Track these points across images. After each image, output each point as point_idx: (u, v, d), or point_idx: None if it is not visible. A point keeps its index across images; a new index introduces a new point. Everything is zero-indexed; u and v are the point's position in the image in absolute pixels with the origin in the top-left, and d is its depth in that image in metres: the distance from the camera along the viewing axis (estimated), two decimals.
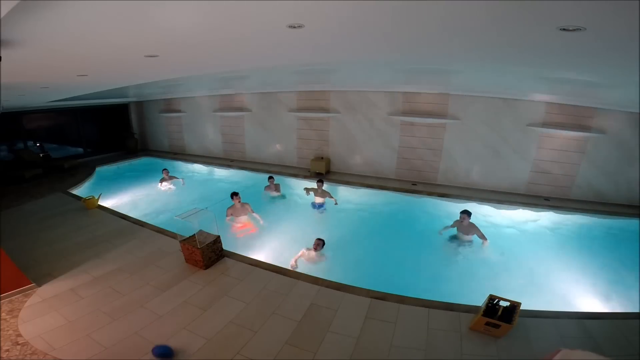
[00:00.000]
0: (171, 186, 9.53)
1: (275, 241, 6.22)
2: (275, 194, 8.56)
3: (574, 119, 6.66)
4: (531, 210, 6.94)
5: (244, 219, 6.95)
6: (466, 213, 5.95)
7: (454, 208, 7.15)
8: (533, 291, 4.61)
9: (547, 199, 7.16)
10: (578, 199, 7.08)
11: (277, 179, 8.73)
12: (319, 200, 7.79)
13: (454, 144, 7.90)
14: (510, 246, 6.00)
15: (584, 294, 4.70)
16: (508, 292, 3.71)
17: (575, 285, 4.90)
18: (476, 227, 5.94)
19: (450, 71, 6.15)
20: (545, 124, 6.91)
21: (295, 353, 3.20)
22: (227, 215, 6.83)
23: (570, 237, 6.30)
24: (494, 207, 7.15)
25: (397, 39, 2.94)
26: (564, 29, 2.15)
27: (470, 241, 5.97)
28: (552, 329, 3.45)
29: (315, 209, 7.72)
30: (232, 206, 6.90)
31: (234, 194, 6.95)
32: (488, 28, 2.42)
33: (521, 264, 5.44)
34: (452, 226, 6.18)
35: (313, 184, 8.06)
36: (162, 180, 9.52)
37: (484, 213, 7.07)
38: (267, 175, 8.66)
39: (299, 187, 8.71)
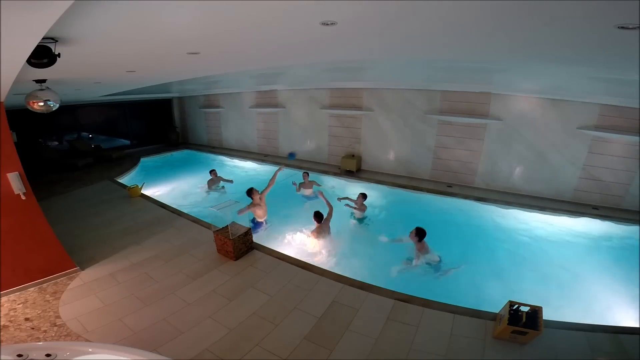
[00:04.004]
0: (218, 188, 8.94)
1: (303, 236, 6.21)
2: (308, 192, 8.17)
3: (632, 122, 6.04)
4: (574, 218, 6.45)
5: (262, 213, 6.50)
6: (418, 230, 5.11)
7: (491, 213, 6.84)
8: (568, 301, 4.34)
9: (595, 207, 6.60)
10: (631, 209, 6.43)
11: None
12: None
13: (495, 145, 7.50)
14: (548, 256, 5.61)
15: (624, 308, 4.32)
16: (545, 304, 3.48)
17: (617, 298, 4.52)
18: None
19: (492, 69, 5.82)
20: (598, 127, 6.35)
21: (312, 349, 3.22)
22: (242, 212, 5.99)
23: (618, 249, 5.77)
24: (536, 213, 6.71)
25: (438, 38, 2.83)
26: (622, 27, 1.98)
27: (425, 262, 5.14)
28: (583, 342, 3.24)
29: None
30: (252, 203, 6.26)
31: (251, 190, 6.33)
32: (538, 25, 2.28)
33: (560, 274, 5.08)
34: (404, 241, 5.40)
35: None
36: (211, 183, 8.89)
37: (523, 220, 6.68)
38: (301, 171, 8.60)
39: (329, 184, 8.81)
